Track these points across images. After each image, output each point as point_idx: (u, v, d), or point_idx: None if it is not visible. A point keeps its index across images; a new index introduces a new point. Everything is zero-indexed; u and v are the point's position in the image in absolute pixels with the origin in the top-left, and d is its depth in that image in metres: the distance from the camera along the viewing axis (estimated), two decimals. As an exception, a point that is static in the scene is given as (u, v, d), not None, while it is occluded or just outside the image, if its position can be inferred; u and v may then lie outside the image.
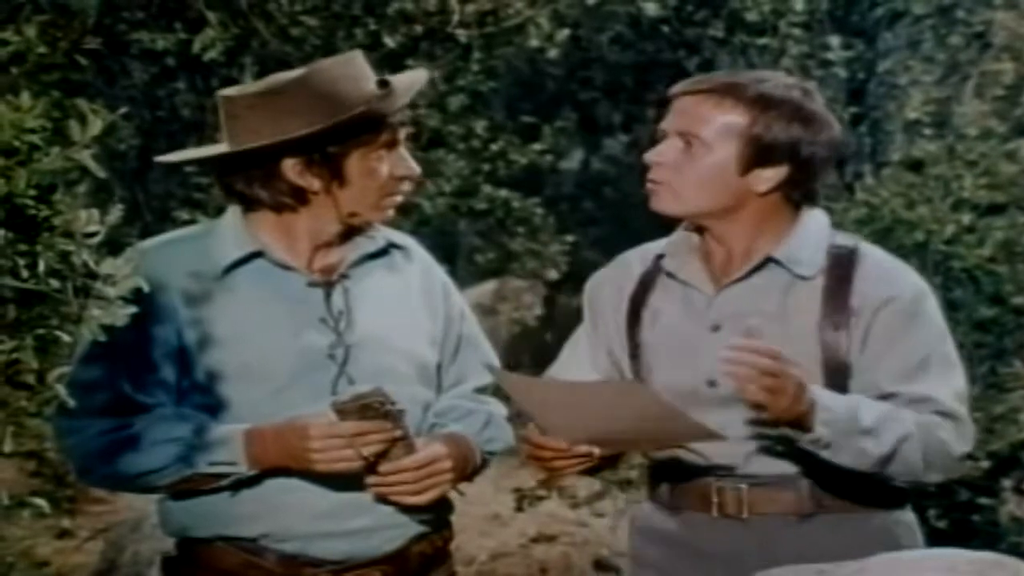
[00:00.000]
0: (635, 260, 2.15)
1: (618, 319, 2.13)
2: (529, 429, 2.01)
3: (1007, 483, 4.00)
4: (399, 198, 2.06)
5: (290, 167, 1.99)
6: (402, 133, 2.04)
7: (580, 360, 2.16)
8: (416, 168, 2.06)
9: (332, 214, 2.03)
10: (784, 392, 1.85)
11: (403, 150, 2.05)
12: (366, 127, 1.99)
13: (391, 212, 2.08)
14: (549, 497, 4.98)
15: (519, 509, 4.98)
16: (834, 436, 1.91)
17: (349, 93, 1.98)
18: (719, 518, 2.05)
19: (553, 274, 6.44)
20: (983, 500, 3.91)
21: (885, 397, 1.99)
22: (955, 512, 3.79)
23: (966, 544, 1.85)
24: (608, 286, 2.16)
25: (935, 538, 2.19)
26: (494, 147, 5.87)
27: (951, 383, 2.02)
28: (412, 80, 2.08)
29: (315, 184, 2.01)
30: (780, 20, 5.40)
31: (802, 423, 1.90)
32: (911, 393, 1.98)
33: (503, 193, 5.99)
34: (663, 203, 2.02)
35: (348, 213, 2.04)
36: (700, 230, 2.07)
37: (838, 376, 1.98)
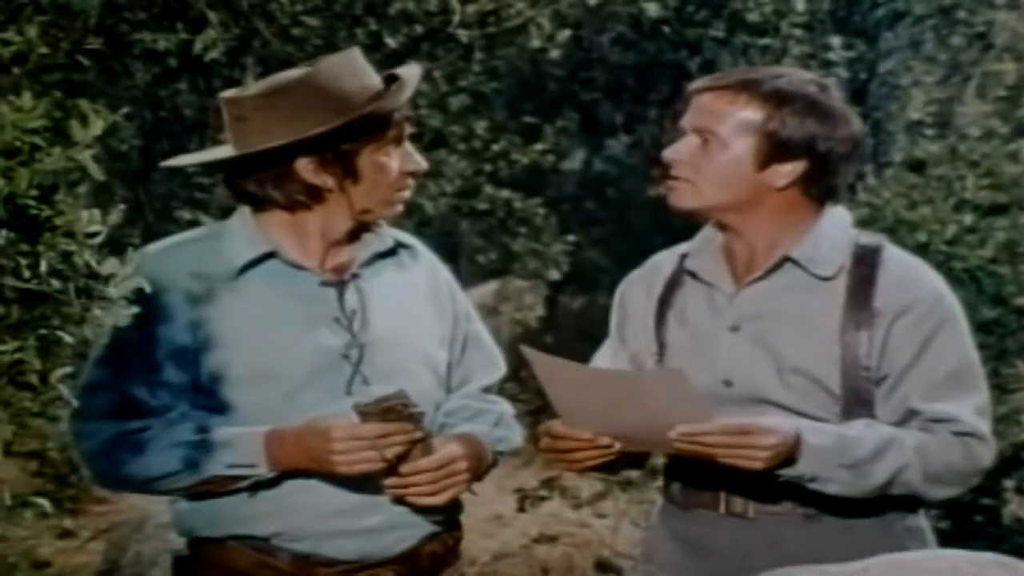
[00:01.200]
0: (665, 261, 2.16)
1: (647, 321, 2.13)
2: (550, 423, 2.01)
3: (1009, 484, 4.00)
4: (407, 193, 2.07)
5: (303, 166, 2.00)
6: (407, 129, 2.05)
7: (605, 363, 2.15)
8: (423, 163, 2.07)
9: (345, 211, 2.04)
10: (757, 458, 1.87)
11: (409, 145, 2.05)
12: (376, 123, 1.99)
13: (400, 207, 2.08)
14: (551, 498, 4.98)
15: (521, 509, 4.98)
16: (819, 471, 1.92)
17: (355, 90, 1.98)
18: (726, 516, 2.05)
19: (555, 274, 6.44)
20: (985, 500, 3.91)
21: (909, 414, 1.98)
22: (957, 513, 3.79)
23: (968, 545, 1.85)
24: (638, 287, 2.17)
25: (937, 539, 2.18)
26: (496, 147, 5.87)
27: (973, 399, 2.01)
28: (412, 75, 2.08)
29: (329, 182, 2.01)
30: (781, 20, 5.40)
31: (788, 458, 1.90)
32: (933, 412, 1.97)
33: (505, 193, 5.99)
34: (681, 199, 2.02)
35: (361, 210, 2.04)
36: (724, 228, 2.07)
37: (855, 378, 1.98)
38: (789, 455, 1.89)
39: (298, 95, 1.97)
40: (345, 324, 2.04)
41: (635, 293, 2.17)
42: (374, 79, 2.02)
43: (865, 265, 2.01)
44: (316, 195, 2.02)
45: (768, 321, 2.02)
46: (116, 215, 1.52)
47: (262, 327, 2.01)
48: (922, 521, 2.10)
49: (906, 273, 2.02)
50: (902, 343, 1.97)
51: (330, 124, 1.95)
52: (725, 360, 2.02)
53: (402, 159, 2.04)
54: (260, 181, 2.01)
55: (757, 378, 2.00)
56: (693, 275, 2.10)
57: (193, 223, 4.12)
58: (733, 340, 2.03)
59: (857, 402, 1.99)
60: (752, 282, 2.04)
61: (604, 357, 2.19)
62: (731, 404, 1.98)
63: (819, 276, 2.01)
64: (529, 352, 1.94)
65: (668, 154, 2.02)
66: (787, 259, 2.02)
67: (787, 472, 1.91)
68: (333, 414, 1.96)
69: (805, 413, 1.98)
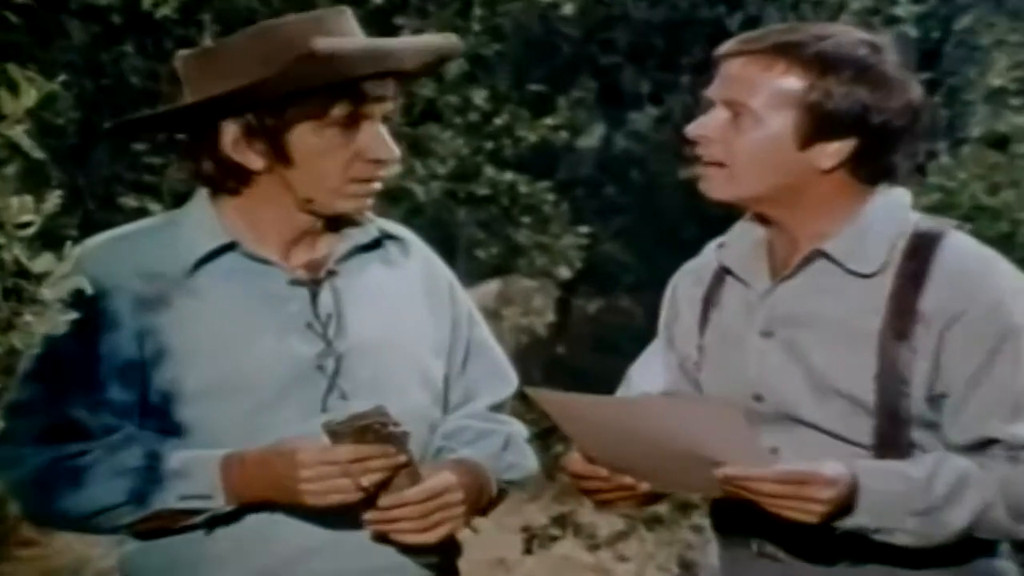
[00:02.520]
0: (715, 250, 2.17)
1: (692, 319, 2.15)
2: (570, 457, 2.02)
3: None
4: (375, 185, 2.05)
5: (229, 140, 2.00)
6: (377, 108, 2.01)
7: (653, 370, 2.18)
8: (393, 151, 2.03)
9: (289, 199, 2.03)
10: (812, 512, 1.87)
11: (378, 128, 2.02)
12: (309, 96, 1.96)
13: (366, 202, 2.06)
14: (563, 537, 4.99)
15: (528, 551, 4.99)
16: (883, 521, 1.91)
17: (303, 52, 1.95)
18: (759, 557, 2.06)
19: (566, 272, 6.46)
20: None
21: (988, 442, 1.96)
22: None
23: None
24: (689, 280, 2.18)
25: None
26: (498, 121, 5.88)
27: None
28: (401, 46, 2.05)
29: (257, 162, 2.00)
30: (839, -31, 5.40)
31: (846, 506, 1.90)
32: (1018, 439, 1.95)
33: (508, 176, 6.00)
34: (715, 188, 2.02)
35: (304, 199, 2.03)
36: (763, 221, 2.07)
37: (891, 394, 1.96)
38: (847, 503, 1.89)
39: (238, 50, 1.96)
40: (319, 330, 2.04)
41: (686, 286, 2.18)
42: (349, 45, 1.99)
43: (918, 259, 1.99)
44: (243, 177, 2.02)
45: (802, 326, 2.02)
46: (52, 203, 1.52)
47: (221, 333, 2.01)
48: (1002, 564, 2.08)
49: (964, 268, 1.99)
50: (960, 357, 1.95)
51: (239, 84, 1.93)
52: (755, 370, 2.03)
53: (364, 143, 2.01)
54: (197, 154, 2.03)
55: (788, 393, 2.01)
56: (727, 270, 2.11)
57: (140, 212, 4.13)
58: (764, 347, 2.04)
59: (894, 423, 1.97)
60: (785, 280, 2.05)
61: (648, 364, 2.20)
62: (762, 422, 1.99)
63: (857, 273, 2.00)
64: (534, 392, 1.95)
65: (693, 130, 2.02)
66: (820, 253, 2.02)
67: (846, 524, 1.90)
68: (303, 435, 1.96)
69: (842, 437, 1.99)
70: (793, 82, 1.98)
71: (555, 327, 7.87)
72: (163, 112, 2.02)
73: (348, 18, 2.02)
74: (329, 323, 2.05)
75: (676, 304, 2.20)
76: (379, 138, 2.01)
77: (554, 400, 1.97)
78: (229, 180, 2.03)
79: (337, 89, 1.97)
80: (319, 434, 1.94)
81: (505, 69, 6.52)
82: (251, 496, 1.97)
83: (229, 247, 2.04)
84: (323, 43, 1.91)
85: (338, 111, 1.97)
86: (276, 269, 2.05)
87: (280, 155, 1.99)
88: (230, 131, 1.99)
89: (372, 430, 1.92)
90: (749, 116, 1.99)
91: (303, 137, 1.98)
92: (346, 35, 1.99)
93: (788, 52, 1.98)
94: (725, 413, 1.91)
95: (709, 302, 2.13)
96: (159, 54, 4.51)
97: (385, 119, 2.03)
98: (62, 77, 1.71)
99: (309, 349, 2.03)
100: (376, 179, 2.04)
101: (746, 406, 2.01)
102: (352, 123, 1.99)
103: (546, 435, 2.11)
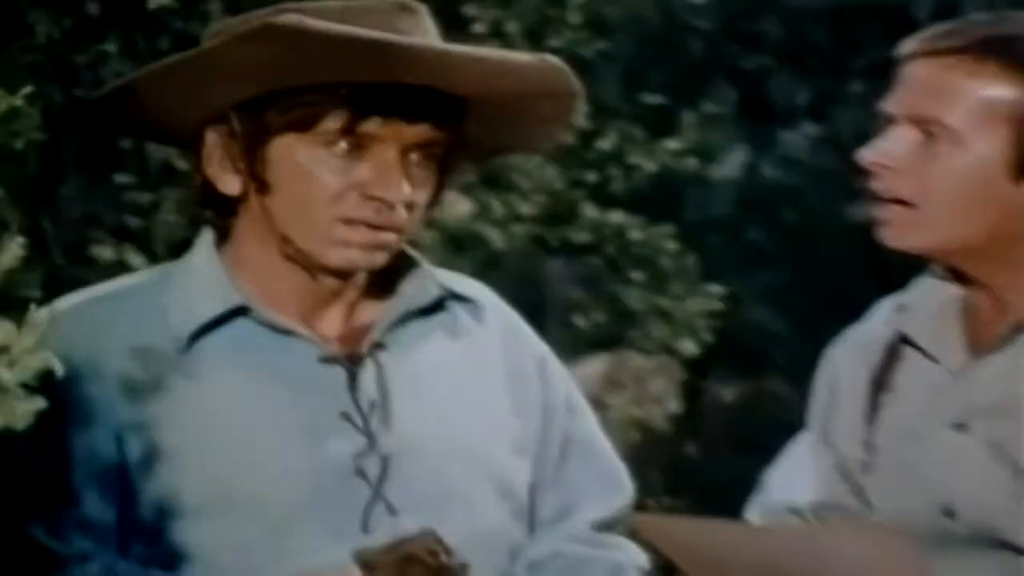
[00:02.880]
0: (887, 316, 2.19)
1: (857, 406, 2.16)
2: None
3: None
4: (381, 236, 2.02)
5: (208, 152, 2.04)
6: (391, 130, 1.99)
7: (800, 475, 2.19)
8: (401, 190, 2.00)
9: (277, 240, 2.05)
10: None
11: (391, 157, 2.00)
12: (290, 96, 1.99)
13: (370, 257, 2.03)
14: None
15: None
16: None
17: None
18: None
19: (694, 347, 6.45)
20: None
21: None
22: None
23: None
24: (852, 353, 2.20)
25: None
26: (602, 144, 5.91)
27: None
28: (461, 54, 2.02)
29: (232, 184, 2.04)
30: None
31: None
32: None
33: (616, 218, 6.02)
34: (897, 232, 2.05)
35: (281, 236, 2.04)
36: (959, 277, 2.08)
37: None
38: None
39: (242, 24, 2.00)
40: (358, 422, 2.06)
41: (849, 362, 2.20)
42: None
43: None
44: (220, 205, 2.06)
45: (1010, 417, 2.03)
46: (11, 254, 1.55)
47: (228, 428, 2.03)
48: None
49: None
50: None
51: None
52: (945, 476, 2.05)
53: (365, 174, 2.01)
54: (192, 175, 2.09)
55: (991, 506, 2.02)
56: (906, 340, 2.13)
57: (119, 267, 4.16)
58: (958, 444, 2.05)
59: None
60: (987, 355, 2.06)
61: (793, 466, 2.21)
62: (955, 545, 2.00)
63: None
64: (637, 521, 1.98)
65: (868, 156, 2.04)
66: None
67: None
68: (333, 565, 1.97)
69: None
70: (1005, 91, 2.00)
71: (680, 419, 7.85)
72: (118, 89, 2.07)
73: (418, 18, 2.03)
74: (372, 413, 2.07)
75: (835, 386, 2.21)
76: (385, 170, 2.01)
77: (663, 528, 1.99)
78: (209, 210, 2.08)
79: (333, 95, 1.99)
80: (351, 567, 1.96)
81: (613, 74, 6.55)
82: None
83: (239, 312, 2.06)
84: (289, 18, 1.93)
85: (331, 124, 2.00)
86: (301, 342, 2.07)
87: (253, 173, 2.02)
88: (210, 139, 2.04)
89: (418, 561, 1.94)
90: (945, 137, 2.01)
91: (285, 152, 2.01)
92: (405, 29, 1.99)
93: (998, 51, 2.00)
94: (899, 543, 1.92)
95: (881, 384, 2.15)
96: (152, 55, 4.57)
97: (424, 149, 2.02)
98: (27, 89, 1.75)
99: (345, 448, 2.05)
100: (376, 225, 2.02)
101: (932, 525, 2.02)
102: (356, 146, 2.01)
103: (672, 569, 2.10)
